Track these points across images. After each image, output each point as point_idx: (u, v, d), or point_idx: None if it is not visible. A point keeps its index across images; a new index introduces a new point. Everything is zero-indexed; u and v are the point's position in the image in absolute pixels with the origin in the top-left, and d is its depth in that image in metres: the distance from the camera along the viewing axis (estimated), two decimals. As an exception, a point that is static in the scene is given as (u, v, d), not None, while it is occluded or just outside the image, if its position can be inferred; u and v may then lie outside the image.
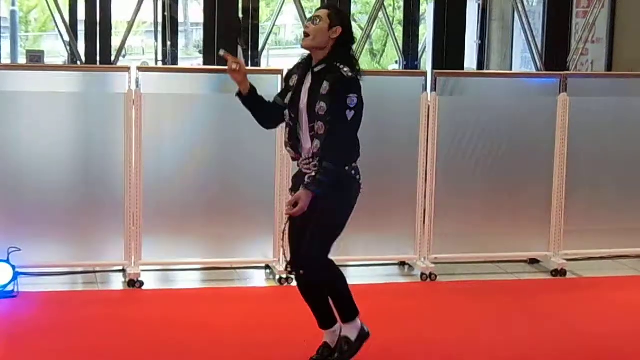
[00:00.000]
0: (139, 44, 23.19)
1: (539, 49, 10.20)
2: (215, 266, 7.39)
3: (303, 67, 5.00)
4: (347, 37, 4.94)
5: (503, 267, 7.59)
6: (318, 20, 4.89)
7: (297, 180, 5.01)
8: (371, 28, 10.72)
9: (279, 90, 6.97)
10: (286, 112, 5.03)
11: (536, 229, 7.60)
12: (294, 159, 5.10)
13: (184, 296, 6.85)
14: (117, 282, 7.09)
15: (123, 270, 7.10)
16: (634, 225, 7.83)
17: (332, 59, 4.89)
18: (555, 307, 6.58)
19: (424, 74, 7.64)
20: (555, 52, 9.94)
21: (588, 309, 6.62)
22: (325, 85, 4.83)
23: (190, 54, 21.73)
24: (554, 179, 7.53)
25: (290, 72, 5.09)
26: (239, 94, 5.02)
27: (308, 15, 9.74)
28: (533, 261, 7.76)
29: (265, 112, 5.11)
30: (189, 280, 7.31)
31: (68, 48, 11.16)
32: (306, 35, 4.91)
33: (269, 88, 7.10)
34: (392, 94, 7.39)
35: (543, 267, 7.65)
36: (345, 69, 4.86)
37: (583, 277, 7.53)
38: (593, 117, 7.68)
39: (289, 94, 5.02)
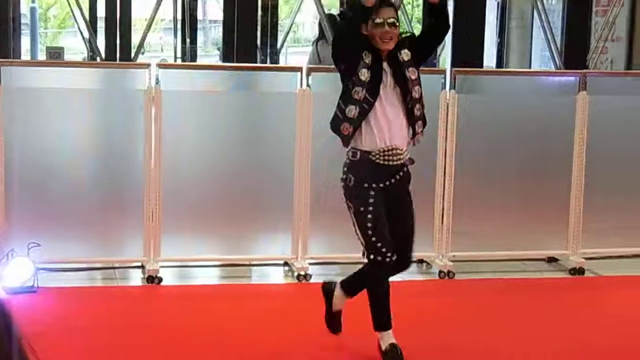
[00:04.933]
0: (157, 41, 23.26)
1: (558, 47, 10.18)
2: (234, 263, 7.42)
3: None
4: None
5: (521, 265, 7.59)
6: (397, 24, 5.04)
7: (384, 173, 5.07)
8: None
9: (299, 87, 7.05)
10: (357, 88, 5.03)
11: (555, 228, 7.58)
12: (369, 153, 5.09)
13: (202, 293, 6.87)
14: (136, 278, 7.12)
15: (142, 267, 7.12)
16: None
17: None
18: (573, 305, 6.57)
19: (444, 71, 7.65)
20: (574, 50, 9.92)
21: (606, 307, 6.62)
22: (412, 70, 5.05)
23: (209, 52, 21.79)
24: (573, 178, 7.51)
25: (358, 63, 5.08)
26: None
27: (327, 11, 9.76)
28: (551, 260, 7.75)
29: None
30: (207, 277, 7.34)
31: (88, 45, 11.20)
32: (391, 39, 5.01)
33: (289, 85, 7.16)
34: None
35: (561, 265, 7.64)
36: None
37: (601, 276, 7.51)
38: (612, 116, 7.66)
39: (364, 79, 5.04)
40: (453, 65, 9.58)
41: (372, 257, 5.04)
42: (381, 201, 5.05)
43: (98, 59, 10.00)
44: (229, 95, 7.22)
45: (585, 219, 7.60)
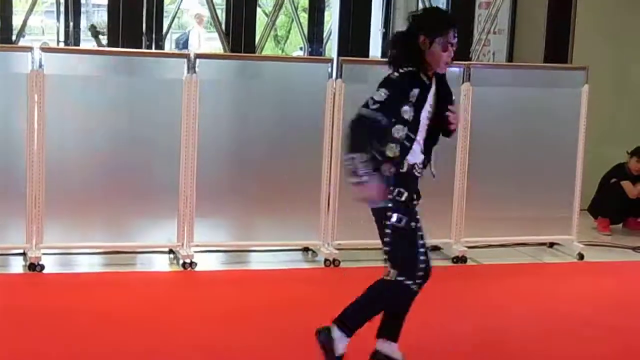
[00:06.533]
0: (38, 23, 22.73)
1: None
2: (118, 250, 7.32)
3: (416, 79, 4.77)
4: None
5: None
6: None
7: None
8: (277, 14, 10.72)
9: (186, 73, 6.98)
10: (398, 127, 4.77)
11: (438, 217, 7.68)
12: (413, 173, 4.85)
13: (86, 280, 6.77)
14: (17, 266, 6.97)
15: (24, 254, 6.98)
16: (532, 214, 7.98)
17: None
18: (455, 293, 6.67)
19: (330, 60, 7.68)
20: (458, 42, 10.03)
21: (486, 295, 6.75)
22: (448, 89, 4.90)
23: (89, 36, 21.36)
24: (456, 168, 7.63)
25: (406, 85, 4.75)
26: None
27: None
28: (435, 248, 7.83)
29: None
30: (91, 265, 7.22)
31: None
32: (449, 64, 4.81)
33: (176, 71, 7.10)
34: (298, 80, 7.43)
35: (444, 254, 7.76)
36: None
37: (483, 264, 7.67)
38: (494, 107, 7.81)
39: (409, 108, 4.74)
40: (339, 54, 9.62)
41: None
42: None
43: (-23, 41, 9.72)
44: (113, 81, 7.11)
45: (468, 208, 7.75)
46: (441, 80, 4.87)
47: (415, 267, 4.81)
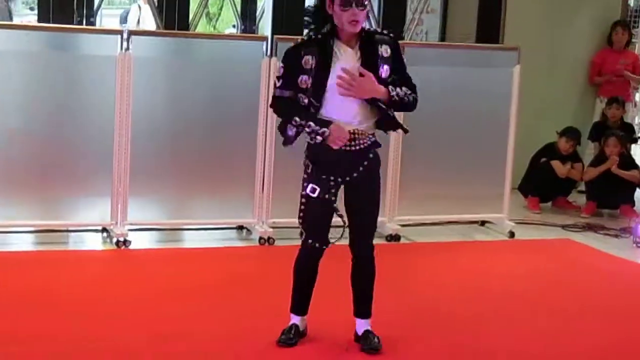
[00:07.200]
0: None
1: (376, 17, 10.32)
2: (50, 229, 7.24)
3: (319, 46, 4.78)
4: None
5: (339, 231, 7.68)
6: (365, 3, 4.76)
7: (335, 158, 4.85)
8: (210, -9, 10.65)
9: (119, 50, 6.91)
10: (300, 97, 4.81)
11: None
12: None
13: (18, 259, 6.69)
14: (-54, 245, 6.88)
15: (-47, 232, 6.89)
16: (464, 193, 8.05)
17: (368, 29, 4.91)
18: (389, 271, 6.69)
19: (265, 38, 7.66)
20: (392, 21, 10.07)
21: (419, 272, 6.84)
22: (385, 48, 4.85)
23: (19, 11, 21.07)
24: (390, 148, 7.64)
25: (298, 56, 4.79)
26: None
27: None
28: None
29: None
30: (22, 243, 7.14)
31: None
32: (356, 22, 4.75)
33: (107, 49, 7.03)
34: (233, 58, 7.41)
35: (378, 232, 7.74)
36: (387, 32, 4.97)
37: (416, 242, 7.74)
38: (428, 86, 7.79)
39: (304, 76, 4.77)
40: (274, 32, 9.59)
41: None
42: None
43: None
44: (46, 57, 7.02)
45: (401, 186, 7.80)
46: (369, 43, 4.85)
47: (318, 229, 4.94)
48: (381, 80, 4.82)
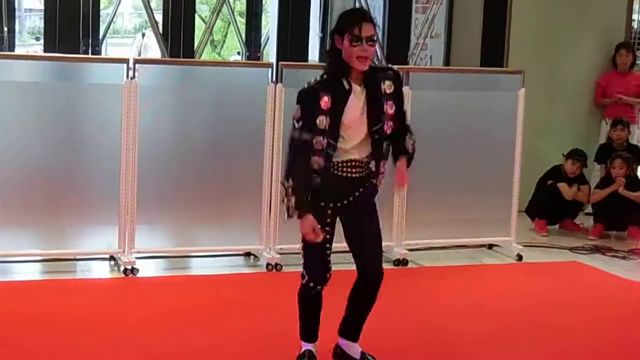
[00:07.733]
0: (-31, 29, 22.39)
1: (380, 42, 10.36)
2: (57, 257, 7.24)
3: (332, 86, 4.78)
4: None
5: (345, 258, 7.67)
6: (375, 39, 4.75)
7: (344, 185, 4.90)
8: (215, 19, 10.69)
9: (125, 78, 6.94)
10: (318, 138, 4.78)
11: (382, 221, 7.70)
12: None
13: (24, 288, 6.68)
14: (-49, 275, 6.88)
15: (-40, 262, 6.89)
16: (471, 217, 8.05)
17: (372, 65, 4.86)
18: (397, 295, 6.70)
19: (271, 65, 7.69)
20: (396, 46, 10.13)
21: (428, 295, 6.81)
22: (388, 84, 4.86)
23: (25, 41, 21.16)
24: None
25: (316, 97, 4.76)
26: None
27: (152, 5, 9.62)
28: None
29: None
30: (29, 272, 7.13)
31: None
32: (365, 58, 4.72)
33: (114, 76, 7.05)
34: (238, 85, 7.43)
35: (385, 257, 7.71)
36: (389, 67, 5.00)
37: (424, 267, 7.72)
38: (433, 110, 7.86)
39: (322, 117, 4.75)
40: (278, 59, 9.63)
41: None
42: None
43: None
44: (52, 86, 7.05)
45: (408, 211, 7.80)
46: (372, 80, 4.84)
47: (318, 271, 4.98)
48: (387, 116, 4.84)
